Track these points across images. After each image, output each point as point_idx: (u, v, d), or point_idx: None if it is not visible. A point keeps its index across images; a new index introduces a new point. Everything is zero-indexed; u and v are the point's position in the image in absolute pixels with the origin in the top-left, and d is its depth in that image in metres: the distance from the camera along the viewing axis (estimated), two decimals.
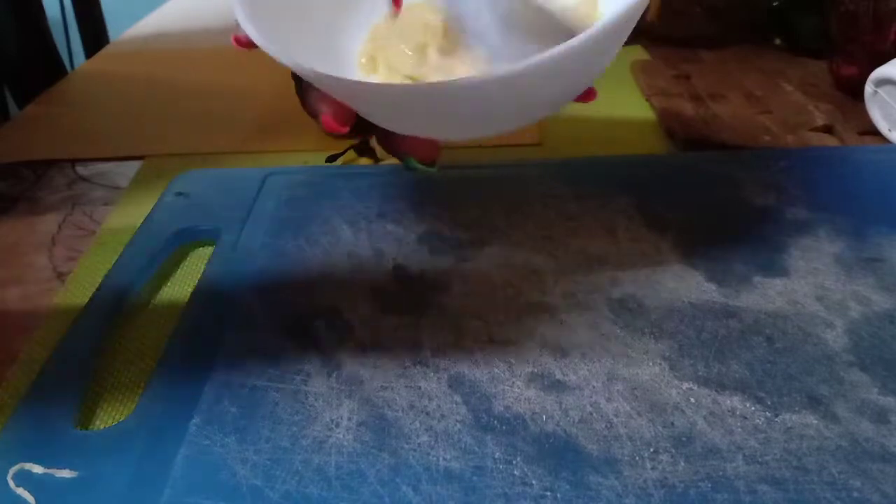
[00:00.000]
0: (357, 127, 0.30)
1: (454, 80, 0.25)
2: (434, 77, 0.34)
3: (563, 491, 0.23)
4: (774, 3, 0.62)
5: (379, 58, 0.36)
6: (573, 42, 0.24)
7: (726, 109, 0.52)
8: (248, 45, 0.29)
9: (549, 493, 0.23)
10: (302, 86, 0.31)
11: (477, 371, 0.28)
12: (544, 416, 0.26)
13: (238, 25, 0.29)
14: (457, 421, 0.26)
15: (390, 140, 0.31)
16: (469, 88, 0.25)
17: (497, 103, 0.27)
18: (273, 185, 0.42)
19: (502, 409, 0.26)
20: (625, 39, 0.28)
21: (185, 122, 0.56)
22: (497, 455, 0.24)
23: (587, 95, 0.31)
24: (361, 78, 0.35)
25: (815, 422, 0.25)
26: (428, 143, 0.31)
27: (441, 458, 0.24)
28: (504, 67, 0.24)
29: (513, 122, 0.30)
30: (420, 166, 0.31)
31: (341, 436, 0.25)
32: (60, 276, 0.38)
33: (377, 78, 0.35)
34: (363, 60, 0.36)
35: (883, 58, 0.45)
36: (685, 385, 0.27)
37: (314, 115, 0.31)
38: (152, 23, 0.85)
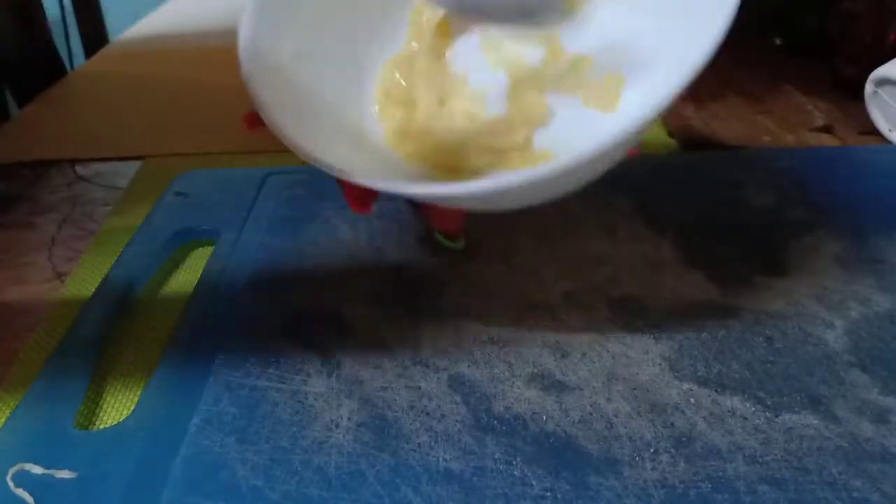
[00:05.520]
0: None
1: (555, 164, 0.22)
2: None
3: (563, 491, 0.23)
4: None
5: (395, 95, 0.33)
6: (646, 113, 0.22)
7: (726, 109, 0.52)
8: (258, 124, 0.26)
9: (549, 494, 0.23)
10: None
11: (477, 371, 0.28)
12: (544, 417, 0.26)
13: (254, 105, 0.26)
14: (457, 421, 0.26)
15: (420, 212, 0.31)
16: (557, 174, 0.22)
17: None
18: (273, 185, 0.42)
19: (502, 409, 0.26)
20: None
21: (185, 122, 0.56)
22: (497, 455, 0.24)
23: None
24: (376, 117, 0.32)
25: (815, 422, 0.25)
26: (453, 217, 0.30)
27: (441, 459, 0.24)
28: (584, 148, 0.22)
29: (562, 192, 0.28)
30: (447, 242, 0.31)
31: (341, 436, 0.25)
32: (60, 276, 0.38)
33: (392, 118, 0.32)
34: (379, 98, 0.33)
35: (883, 58, 0.45)
36: (685, 385, 0.27)
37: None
38: (152, 23, 0.85)
